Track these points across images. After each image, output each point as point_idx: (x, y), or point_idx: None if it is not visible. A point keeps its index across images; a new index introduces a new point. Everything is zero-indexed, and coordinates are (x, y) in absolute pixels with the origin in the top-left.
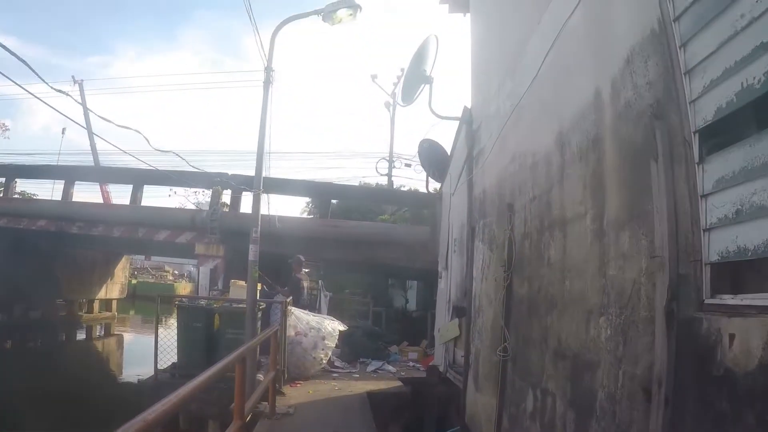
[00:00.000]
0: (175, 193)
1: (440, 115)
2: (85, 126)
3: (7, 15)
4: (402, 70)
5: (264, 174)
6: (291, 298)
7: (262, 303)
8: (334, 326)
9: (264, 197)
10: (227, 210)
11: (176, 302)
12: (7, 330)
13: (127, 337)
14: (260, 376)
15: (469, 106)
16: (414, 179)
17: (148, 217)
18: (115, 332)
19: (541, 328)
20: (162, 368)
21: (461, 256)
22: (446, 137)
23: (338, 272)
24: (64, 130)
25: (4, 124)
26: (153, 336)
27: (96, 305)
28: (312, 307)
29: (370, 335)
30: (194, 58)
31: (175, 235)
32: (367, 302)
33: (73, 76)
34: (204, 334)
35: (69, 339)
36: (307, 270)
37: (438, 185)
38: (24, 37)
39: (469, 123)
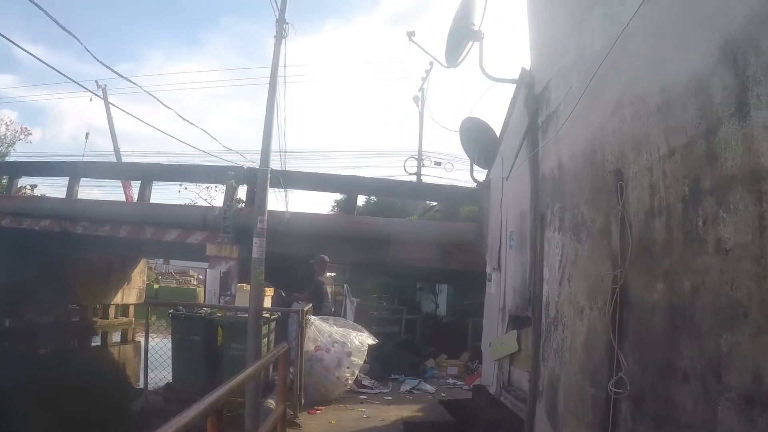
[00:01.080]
0: (186, 188)
1: (494, 76)
2: (147, 124)
3: (35, 23)
4: (431, 63)
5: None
6: (311, 305)
7: (276, 312)
8: (362, 339)
9: (280, 193)
10: (243, 207)
11: (170, 311)
12: (17, 335)
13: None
14: (271, 402)
15: (527, 67)
16: (444, 178)
17: (156, 215)
18: (134, 339)
19: (703, 353)
20: (154, 389)
21: (521, 252)
22: (491, 116)
23: (364, 275)
24: (87, 134)
25: (26, 128)
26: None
27: (112, 310)
28: (337, 314)
29: (402, 347)
30: (219, 63)
31: (185, 235)
32: (399, 309)
33: (96, 81)
34: (203, 350)
35: (83, 345)
36: (333, 274)
37: (484, 173)
38: (50, 44)
39: (529, 86)
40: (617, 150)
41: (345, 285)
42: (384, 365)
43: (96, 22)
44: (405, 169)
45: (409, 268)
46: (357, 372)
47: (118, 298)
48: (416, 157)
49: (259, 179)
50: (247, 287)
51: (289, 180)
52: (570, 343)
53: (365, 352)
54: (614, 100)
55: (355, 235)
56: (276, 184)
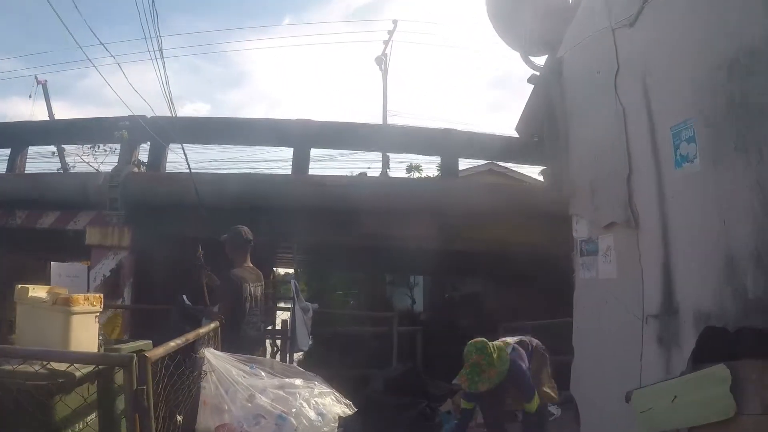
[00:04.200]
0: (65, 150)
1: None
2: None
3: None
4: (394, 22)
5: None
6: (216, 323)
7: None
8: (323, 405)
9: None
10: (141, 171)
11: None
12: None
13: None
14: None
15: None
16: (414, 154)
17: (20, 189)
18: None
19: None
20: None
21: (745, 162)
22: None
23: (322, 266)
24: None
25: None
26: None
27: None
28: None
29: (399, 386)
30: (173, 63)
31: (66, 219)
32: (387, 315)
33: (36, 77)
34: None
35: None
36: (291, 271)
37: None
38: None
39: None
40: None
41: (292, 282)
42: (369, 423)
43: (43, 23)
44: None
45: (388, 251)
46: None
47: None
48: None
49: None
50: (37, 289)
51: (189, 130)
52: None
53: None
54: None
55: (307, 205)
56: (167, 137)
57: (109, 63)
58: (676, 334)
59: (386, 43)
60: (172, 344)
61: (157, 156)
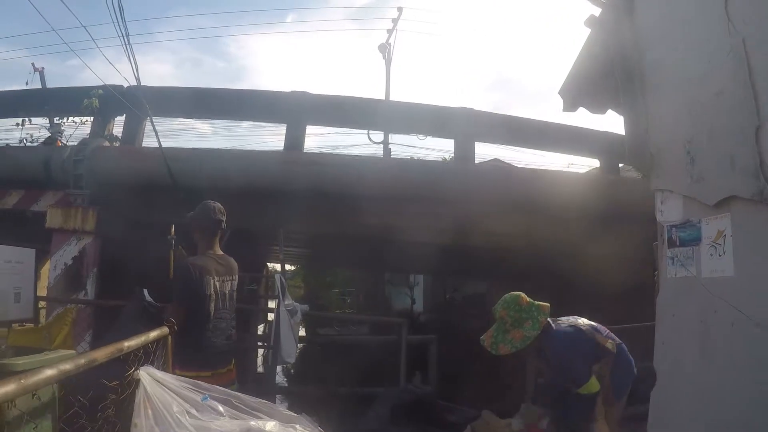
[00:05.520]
0: (30, 121)
1: None
2: None
3: None
4: (399, 9)
5: None
6: (166, 330)
7: None
8: None
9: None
10: (113, 146)
11: None
12: None
13: None
14: None
15: None
16: (417, 148)
17: None
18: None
19: None
20: None
21: None
22: None
23: (318, 261)
24: (23, 121)
25: None
26: None
27: None
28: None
29: (409, 414)
30: (173, 58)
31: (30, 199)
32: (396, 320)
33: (33, 64)
34: None
35: None
36: (290, 267)
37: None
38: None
39: None
40: None
41: (278, 277)
42: None
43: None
44: (369, 137)
45: (395, 245)
46: None
47: None
48: None
49: None
50: None
51: (167, 101)
52: None
53: None
54: None
55: (300, 188)
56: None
57: (89, 47)
58: None
59: (390, 31)
60: (65, 367)
61: (133, 131)
